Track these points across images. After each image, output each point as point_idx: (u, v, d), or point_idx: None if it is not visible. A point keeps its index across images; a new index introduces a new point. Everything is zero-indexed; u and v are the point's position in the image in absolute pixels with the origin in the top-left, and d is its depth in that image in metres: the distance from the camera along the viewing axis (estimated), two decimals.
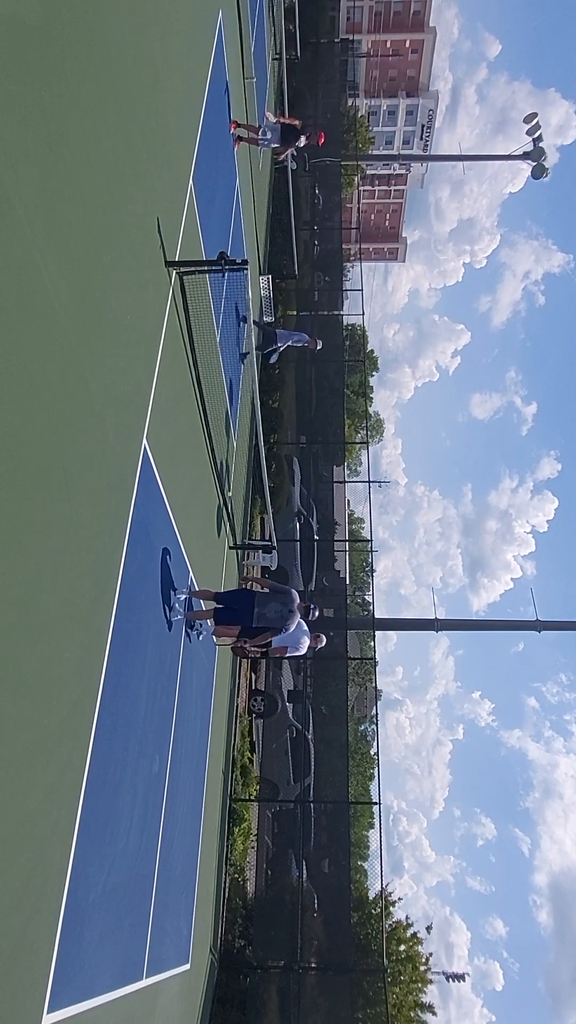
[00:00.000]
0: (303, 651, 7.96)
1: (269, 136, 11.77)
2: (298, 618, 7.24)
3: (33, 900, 3.51)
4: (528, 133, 22.51)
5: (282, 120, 12.16)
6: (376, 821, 14.29)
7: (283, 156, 13.84)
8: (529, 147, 22.71)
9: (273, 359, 15.12)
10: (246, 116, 12.65)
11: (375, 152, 42.42)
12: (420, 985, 15.75)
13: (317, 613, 7.40)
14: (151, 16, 5.76)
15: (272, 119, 12.09)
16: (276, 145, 12.01)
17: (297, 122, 12.18)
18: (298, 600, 7.26)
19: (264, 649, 7.68)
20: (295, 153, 20.01)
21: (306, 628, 7.87)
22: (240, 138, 11.38)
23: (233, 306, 10.05)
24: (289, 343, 15.12)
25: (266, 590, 7.67)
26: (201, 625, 7.95)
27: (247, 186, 13.33)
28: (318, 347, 15.36)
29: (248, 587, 7.65)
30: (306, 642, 7.79)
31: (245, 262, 6.69)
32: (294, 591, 7.33)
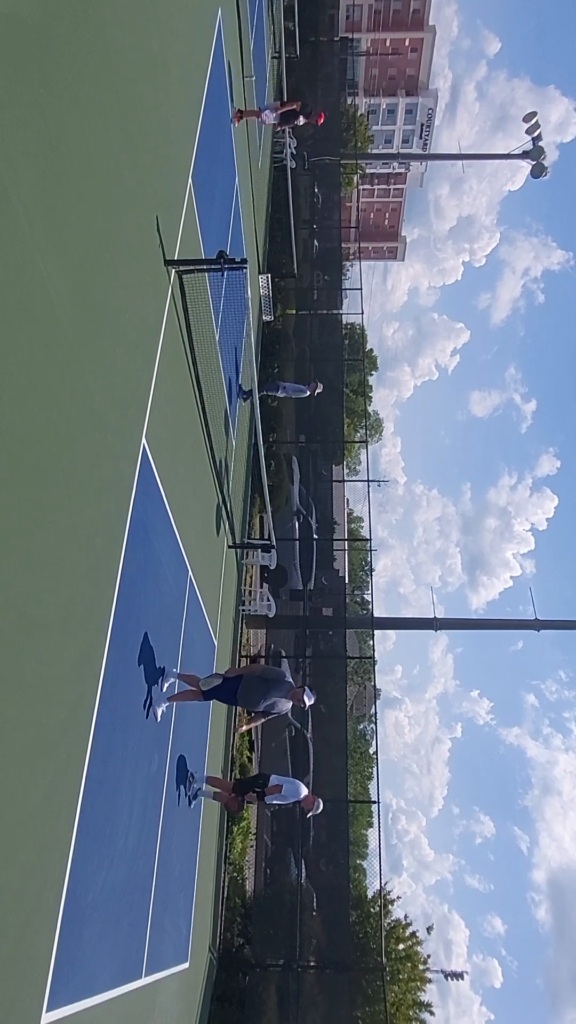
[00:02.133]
0: (301, 795, 7.88)
1: (272, 120, 12.00)
2: (287, 703, 6.86)
3: (32, 899, 3.52)
4: (528, 132, 22.48)
5: (281, 109, 12.32)
6: (375, 820, 14.31)
7: (281, 127, 13.95)
8: (528, 146, 22.68)
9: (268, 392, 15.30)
10: (244, 108, 12.65)
11: (374, 151, 42.38)
12: (419, 983, 15.79)
13: (312, 700, 6.87)
14: (151, 14, 5.75)
15: (272, 117, 12.17)
16: (276, 122, 12.21)
17: (295, 105, 12.32)
18: (286, 688, 6.81)
19: (258, 792, 7.96)
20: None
21: (302, 785, 7.98)
22: (241, 112, 11.41)
23: (233, 306, 10.04)
24: (287, 394, 15.33)
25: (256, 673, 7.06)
26: (194, 776, 8.12)
27: (246, 185, 13.32)
28: (318, 391, 15.48)
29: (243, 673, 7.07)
30: (302, 792, 7.79)
31: (244, 261, 6.68)
32: (290, 682, 6.86)
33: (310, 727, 15.92)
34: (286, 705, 6.91)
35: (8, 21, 3.17)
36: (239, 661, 13.55)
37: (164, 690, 6.38)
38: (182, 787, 7.62)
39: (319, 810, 7.98)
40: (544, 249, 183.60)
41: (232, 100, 10.66)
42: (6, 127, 3.12)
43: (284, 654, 17.12)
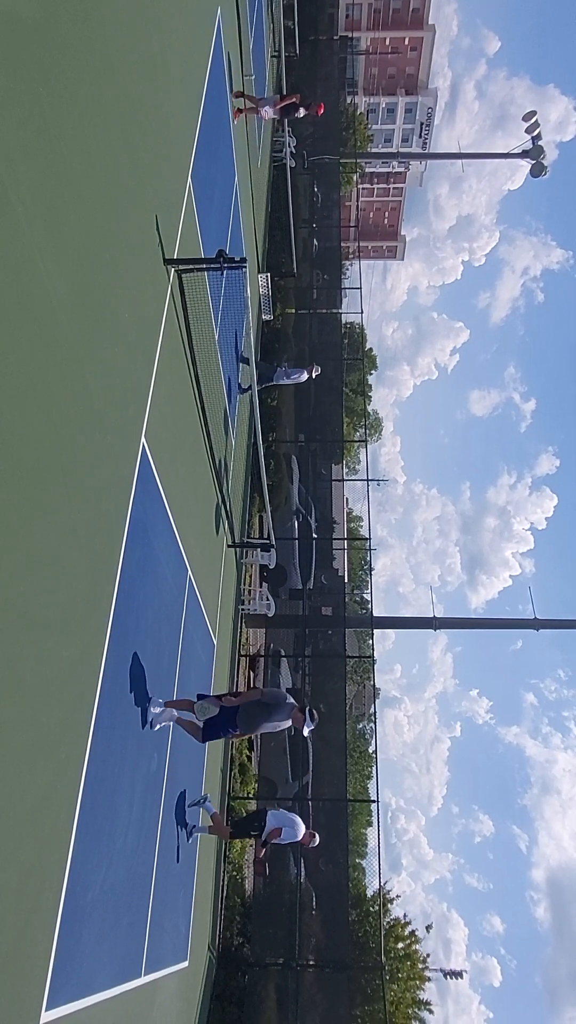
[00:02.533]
0: (299, 837, 7.91)
1: (272, 116, 12.00)
2: (287, 722, 6.49)
3: (32, 898, 3.52)
4: (527, 131, 22.48)
5: (280, 104, 12.32)
6: (374, 819, 14.32)
7: (283, 120, 13.86)
8: (528, 145, 22.67)
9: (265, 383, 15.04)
10: (244, 108, 12.63)
11: (374, 150, 42.35)
12: (418, 982, 15.81)
13: (313, 727, 6.48)
14: (150, 13, 5.74)
15: (272, 112, 12.17)
16: (277, 116, 12.20)
17: (295, 98, 12.31)
18: (287, 711, 6.44)
19: (264, 844, 8.05)
20: (294, 151, 20.01)
21: (299, 820, 8.02)
22: (240, 109, 11.40)
23: (232, 305, 10.04)
24: (284, 381, 15.08)
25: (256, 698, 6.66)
26: (194, 820, 8.14)
27: (246, 184, 13.31)
28: (316, 374, 15.31)
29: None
30: (300, 831, 7.82)
31: (244, 260, 6.68)
32: (291, 704, 6.46)
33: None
34: (285, 724, 6.58)
35: (7, 20, 3.16)
36: (238, 660, 13.55)
37: (156, 727, 6.03)
38: (180, 828, 7.53)
39: (316, 844, 8.15)
40: (543, 248, 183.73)
41: (231, 100, 10.64)
42: (5, 126, 3.12)
43: (284, 653, 17.12)
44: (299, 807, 14.57)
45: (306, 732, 6.52)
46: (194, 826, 8.11)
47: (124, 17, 4.99)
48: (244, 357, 11.86)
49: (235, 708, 6.46)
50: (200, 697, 6.59)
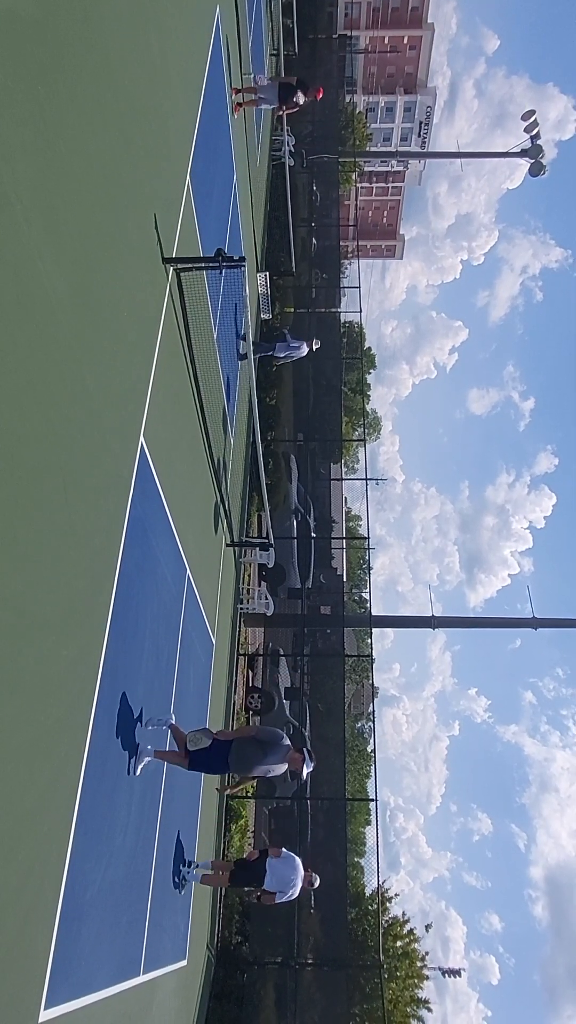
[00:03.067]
0: (296, 894, 7.82)
1: (266, 91, 11.83)
2: (282, 766, 6.15)
3: (30, 897, 3.52)
4: (526, 131, 22.48)
5: (278, 80, 12.21)
6: (373, 817, 14.33)
7: (285, 111, 13.66)
8: (527, 144, 22.68)
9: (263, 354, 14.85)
10: (243, 111, 12.61)
11: (373, 149, 42.33)
12: (416, 980, 15.83)
13: (314, 765, 6.21)
14: (149, 12, 5.74)
15: (265, 80, 12.06)
16: (275, 105, 12.06)
17: (292, 80, 12.20)
18: (286, 753, 6.15)
19: (258, 894, 7.97)
20: (293, 149, 19.99)
21: (299, 865, 7.88)
22: (239, 104, 11.33)
23: (231, 304, 10.04)
24: (284, 354, 14.89)
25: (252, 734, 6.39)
26: (190, 866, 8.11)
27: (245, 182, 13.30)
28: (316, 347, 15.21)
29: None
30: (298, 884, 7.73)
31: (242, 259, 6.68)
32: (287, 746, 6.17)
33: (308, 725, 15.94)
34: (281, 768, 6.22)
35: (7, 18, 3.16)
36: (237, 659, 13.56)
37: (139, 771, 5.62)
38: (175, 875, 7.47)
39: (316, 885, 8.13)
40: (543, 247, 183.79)
41: (230, 96, 10.63)
42: (4, 125, 3.12)
43: (282, 652, 17.14)
44: (298, 806, 14.58)
45: (305, 774, 6.26)
46: (192, 863, 8.13)
47: (123, 16, 4.99)
48: (241, 354, 11.86)
49: (228, 743, 6.17)
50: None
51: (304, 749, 6.23)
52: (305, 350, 14.79)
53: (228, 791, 8.80)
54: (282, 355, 14.86)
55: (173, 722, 6.29)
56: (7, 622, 3.22)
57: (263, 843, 14.55)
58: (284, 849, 8.21)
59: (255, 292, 15.69)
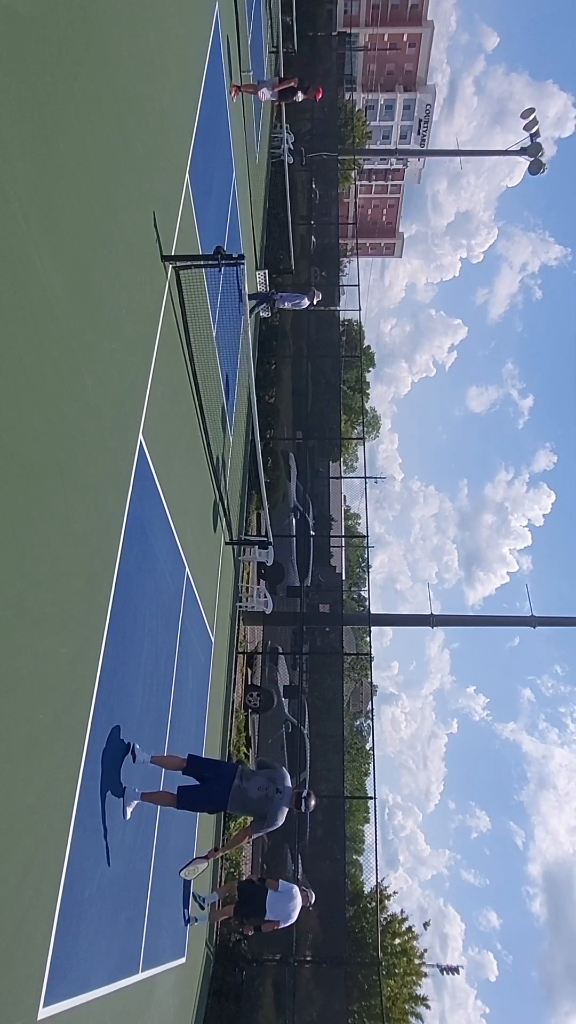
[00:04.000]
0: (294, 919, 8.07)
1: (268, 96, 11.91)
2: (285, 806, 5.77)
3: (29, 895, 3.52)
4: (525, 129, 22.48)
5: (278, 87, 12.24)
6: (371, 815, 14.37)
7: (278, 100, 13.62)
8: (527, 143, 22.68)
9: (264, 310, 14.73)
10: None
11: (372, 147, 42.30)
12: (415, 978, 15.86)
13: (313, 803, 6.01)
14: (147, 8, 5.72)
15: (268, 94, 12.09)
16: (275, 99, 12.10)
17: (293, 82, 12.22)
18: (288, 783, 5.90)
19: (255, 925, 8.27)
20: (292, 147, 19.96)
21: (296, 893, 8.10)
22: (237, 87, 11.29)
23: (230, 300, 10.02)
24: (287, 304, 14.59)
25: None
26: (200, 900, 8.41)
27: (244, 180, 13.28)
28: (317, 299, 15.05)
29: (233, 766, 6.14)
30: (297, 910, 7.92)
31: (241, 257, 6.67)
32: (284, 771, 5.99)
33: (307, 723, 15.96)
34: (282, 816, 5.81)
35: (4, 14, 3.15)
36: (236, 658, 13.56)
37: (128, 816, 5.29)
38: (184, 917, 7.78)
39: (313, 900, 8.46)
40: (542, 244, 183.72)
41: (228, 82, 10.59)
42: (2, 121, 3.11)
43: (281, 650, 17.14)
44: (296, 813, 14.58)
45: (310, 805, 5.99)
46: (200, 897, 8.49)
47: (121, 12, 4.97)
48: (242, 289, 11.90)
49: (228, 784, 5.80)
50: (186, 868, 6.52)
51: (302, 794, 5.95)
52: (306, 303, 14.54)
53: (224, 850, 8.38)
54: (284, 306, 14.60)
55: (150, 757, 5.68)
56: (6, 620, 3.22)
57: (260, 869, 14.62)
58: (281, 881, 8.55)
59: (254, 290, 15.66)
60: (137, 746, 5.33)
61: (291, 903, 8.21)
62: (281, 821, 5.79)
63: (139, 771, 5.73)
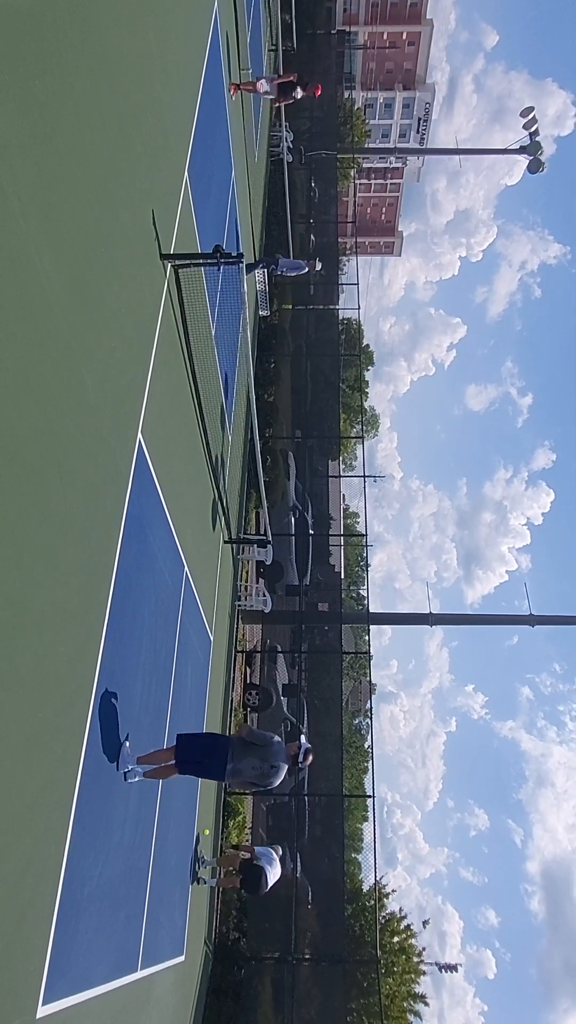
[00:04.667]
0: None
1: (267, 88, 11.81)
2: (282, 773, 5.90)
3: (28, 893, 3.53)
4: (525, 127, 22.47)
5: (277, 80, 12.19)
6: (370, 814, 14.38)
7: (282, 102, 13.54)
8: (526, 141, 22.66)
9: (261, 272, 14.65)
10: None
11: (371, 145, 42.25)
12: (413, 976, 15.89)
13: (311, 758, 6.09)
14: (147, 7, 5.71)
15: (267, 85, 12.06)
16: (273, 96, 12.04)
17: (292, 77, 12.18)
18: (282, 756, 5.92)
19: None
20: (291, 146, 19.93)
21: (275, 856, 8.80)
22: (237, 85, 11.26)
23: (229, 301, 10.01)
24: (287, 271, 14.61)
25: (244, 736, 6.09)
26: (204, 859, 8.93)
27: (243, 179, 13.27)
28: (317, 268, 15.02)
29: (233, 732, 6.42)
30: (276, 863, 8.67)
31: (240, 255, 6.67)
32: (279, 742, 6.00)
33: (306, 722, 15.97)
34: (283, 771, 5.91)
35: (3, 12, 3.14)
36: (235, 656, 13.56)
37: (128, 777, 5.34)
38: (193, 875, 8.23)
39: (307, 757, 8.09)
40: (541, 243, 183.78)
41: (227, 79, 10.55)
42: (1, 120, 3.10)
43: (280, 649, 17.15)
44: (295, 802, 14.61)
45: (304, 761, 6.05)
46: (203, 877, 8.94)
47: (120, 11, 4.97)
48: (242, 255, 11.92)
49: (226, 749, 5.92)
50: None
51: (298, 753, 6.03)
52: (306, 269, 14.51)
53: (222, 882, 9.78)
54: (285, 271, 14.58)
55: (139, 757, 5.60)
56: (5, 618, 3.22)
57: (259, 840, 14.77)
58: (265, 851, 9.17)
59: (253, 289, 15.66)
60: (126, 744, 5.30)
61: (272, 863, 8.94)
62: (279, 782, 5.99)
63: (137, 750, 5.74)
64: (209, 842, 10.25)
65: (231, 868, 9.69)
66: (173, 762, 5.88)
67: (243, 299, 8.08)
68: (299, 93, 12.13)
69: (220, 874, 9.93)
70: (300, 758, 5.99)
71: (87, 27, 4.24)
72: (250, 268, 13.40)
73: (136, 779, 5.49)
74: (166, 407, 6.48)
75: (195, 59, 8.07)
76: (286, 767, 5.93)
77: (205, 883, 9.33)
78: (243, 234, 13.14)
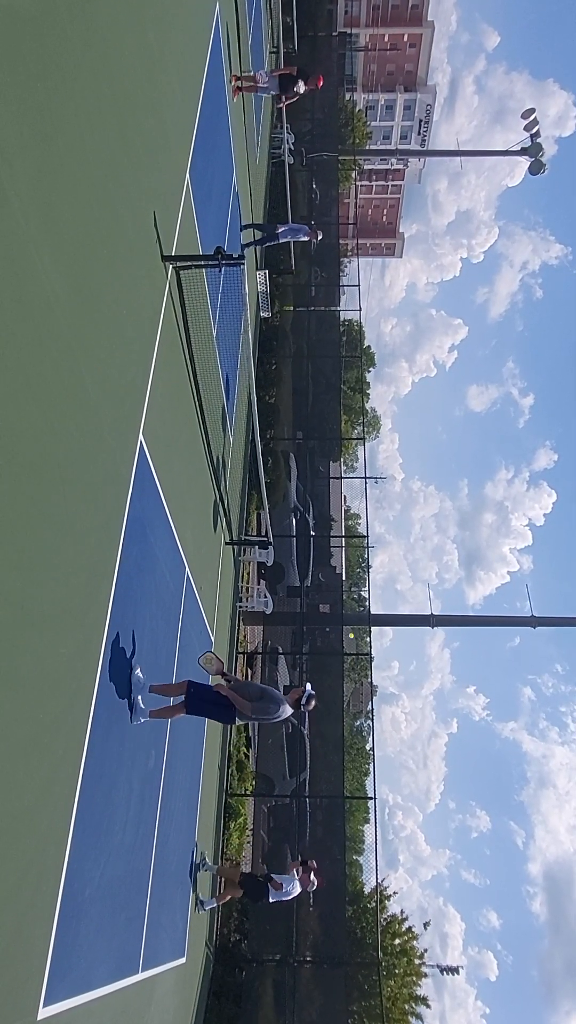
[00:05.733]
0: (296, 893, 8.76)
1: (267, 84, 11.77)
2: (287, 716, 6.22)
3: (29, 894, 3.52)
4: (526, 129, 22.47)
5: (277, 72, 12.17)
6: (371, 816, 14.36)
7: (286, 102, 13.49)
8: (527, 143, 22.67)
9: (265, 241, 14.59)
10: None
11: (372, 147, 42.29)
12: (414, 978, 15.85)
13: (313, 704, 6.33)
14: (148, 8, 5.72)
15: (266, 77, 12.05)
16: (275, 92, 12.00)
17: (293, 70, 12.15)
18: (285, 706, 6.17)
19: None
20: (292, 147, 19.94)
21: (296, 880, 8.70)
22: (239, 88, 11.24)
23: (230, 302, 10.02)
24: (289, 239, 14.52)
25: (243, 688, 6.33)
26: (201, 904, 8.81)
27: (244, 180, 13.28)
28: (318, 237, 15.00)
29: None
30: (297, 891, 8.60)
31: (242, 257, 6.67)
32: (280, 698, 6.20)
33: (307, 723, 15.95)
34: (287, 711, 6.23)
35: (3, 13, 3.15)
36: (236, 658, 13.56)
37: (139, 720, 5.55)
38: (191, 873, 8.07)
39: (313, 887, 8.82)
40: (542, 243, 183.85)
41: (229, 80, 10.53)
42: (2, 121, 3.11)
43: (281, 650, 17.14)
44: (296, 804, 14.60)
45: (306, 706, 6.28)
46: (203, 900, 8.87)
47: (122, 13, 4.97)
48: (244, 225, 11.95)
49: (226, 712, 6.16)
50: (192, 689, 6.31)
51: (300, 698, 6.27)
52: (304, 236, 14.42)
53: (220, 897, 9.67)
54: (285, 239, 14.49)
55: (152, 686, 5.91)
56: (5, 618, 3.22)
57: (264, 870, 14.77)
58: (283, 879, 8.97)
59: (255, 290, 15.67)
60: (139, 671, 5.51)
61: (291, 886, 8.76)
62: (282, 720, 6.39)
63: (140, 765, 5.73)
64: (210, 844, 10.22)
65: (230, 881, 9.63)
66: (183, 700, 6.19)
67: (244, 301, 8.09)
68: (301, 88, 11.98)
69: (220, 886, 9.79)
70: (303, 702, 6.29)
71: (88, 29, 4.25)
72: (247, 246, 13.41)
73: (143, 719, 5.61)
74: (167, 408, 6.48)
75: (196, 61, 8.08)
76: (290, 711, 6.26)
77: (204, 908, 8.99)
78: (244, 235, 13.14)
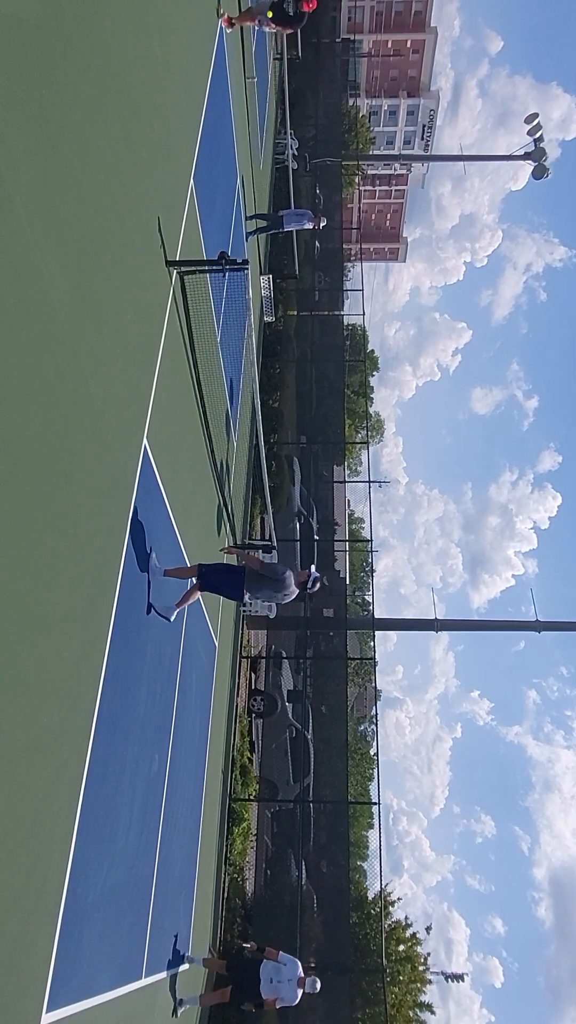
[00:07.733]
0: (296, 1000, 7.71)
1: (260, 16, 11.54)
2: (293, 597, 6.44)
3: (32, 899, 3.51)
4: (529, 133, 22.49)
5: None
6: (375, 821, 14.29)
7: (279, 30, 13.27)
8: (530, 147, 22.68)
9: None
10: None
11: (376, 152, 42.38)
12: (419, 985, 15.75)
13: (319, 586, 6.47)
14: (152, 15, 5.76)
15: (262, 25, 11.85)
16: (272, 28, 11.74)
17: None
18: (292, 580, 6.34)
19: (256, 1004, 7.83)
20: (296, 153, 19.98)
21: (299, 967, 7.75)
22: (232, 20, 10.94)
23: (234, 307, 10.05)
24: (293, 227, 14.46)
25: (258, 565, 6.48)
26: (179, 1004, 7.49)
27: (248, 186, 13.33)
28: (322, 224, 14.88)
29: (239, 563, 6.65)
30: (299, 991, 7.71)
31: (246, 262, 6.69)
32: (290, 575, 6.34)
33: (310, 728, 15.91)
34: (293, 593, 6.40)
35: (9, 22, 3.17)
36: (240, 662, 13.54)
37: (153, 569, 5.75)
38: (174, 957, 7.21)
39: (315, 990, 7.85)
40: (546, 245, 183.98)
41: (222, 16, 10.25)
42: (8, 128, 3.13)
43: (285, 655, 17.11)
44: (300, 809, 14.55)
45: (313, 586, 6.39)
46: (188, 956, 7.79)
47: (126, 20, 5.00)
48: (249, 216, 12.04)
49: (241, 570, 6.46)
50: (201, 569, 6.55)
51: (307, 581, 6.40)
52: (308, 224, 14.32)
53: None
54: (290, 227, 14.43)
55: (166, 570, 6.13)
56: (9, 622, 3.22)
57: (263, 876, 14.42)
58: (282, 953, 8.02)
59: (258, 295, 15.71)
60: (154, 556, 5.72)
61: (294, 974, 7.79)
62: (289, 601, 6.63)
63: (144, 770, 5.72)
64: (213, 850, 10.06)
65: (219, 972, 8.53)
66: (197, 582, 6.53)
67: (248, 305, 8.10)
68: (291, 8, 11.63)
69: (205, 981, 8.83)
70: (308, 585, 6.40)
71: (92, 36, 4.27)
72: (252, 233, 13.40)
73: (173, 615, 6.22)
74: (171, 412, 6.50)
75: (201, 67, 8.13)
76: (296, 592, 6.43)
77: (186, 1007, 7.53)
78: (248, 241, 13.19)
